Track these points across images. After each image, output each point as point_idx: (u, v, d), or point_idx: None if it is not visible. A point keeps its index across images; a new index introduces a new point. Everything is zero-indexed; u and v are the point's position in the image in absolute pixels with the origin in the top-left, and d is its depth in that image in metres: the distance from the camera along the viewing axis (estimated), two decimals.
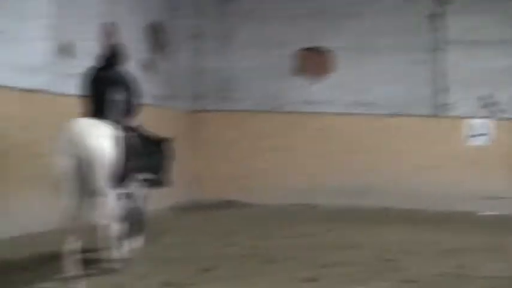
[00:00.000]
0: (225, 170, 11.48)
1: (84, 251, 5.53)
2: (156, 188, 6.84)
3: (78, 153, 5.30)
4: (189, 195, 11.30)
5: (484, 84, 11.00)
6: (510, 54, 10.98)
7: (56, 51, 7.94)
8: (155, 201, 7.15)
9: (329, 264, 6.25)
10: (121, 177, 5.72)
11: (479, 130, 11.10)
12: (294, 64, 11.70)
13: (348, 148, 11.29)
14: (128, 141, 5.82)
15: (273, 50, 11.65)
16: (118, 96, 5.91)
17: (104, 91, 5.87)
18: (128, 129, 5.96)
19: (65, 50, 8.07)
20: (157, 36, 10.68)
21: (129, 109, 6.06)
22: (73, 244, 5.29)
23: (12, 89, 7.16)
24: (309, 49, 11.68)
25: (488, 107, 11.15)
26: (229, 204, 10.99)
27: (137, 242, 6.52)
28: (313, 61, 11.65)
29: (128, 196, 6.27)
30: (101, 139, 5.43)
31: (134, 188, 6.32)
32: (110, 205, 5.51)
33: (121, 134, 5.74)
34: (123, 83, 5.99)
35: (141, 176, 6.38)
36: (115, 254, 5.85)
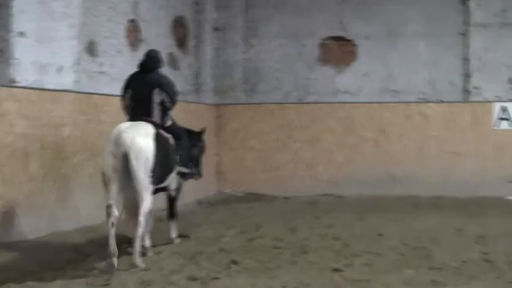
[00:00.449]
0: (252, 163, 11.50)
1: (121, 244, 5.88)
2: (193, 179, 7.22)
3: (123, 152, 5.63)
4: (217, 189, 11.39)
5: None
6: None
7: (83, 50, 8.03)
8: (182, 195, 7.21)
9: (358, 253, 6.27)
10: (162, 175, 6.10)
11: (509, 113, 10.93)
12: (320, 54, 11.66)
13: (376, 137, 11.23)
14: (169, 140, 6.30)
15: (298, 41, 11.64)
16: (158, 97, 6.31)
17: (146, 94, 6.28)
18: (167, 128, 6.39)
19: (92, 50, 8.16)
20: (181, 31, 10.74)
21: (169, 109, 6.46)
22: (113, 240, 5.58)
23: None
24: (335, 38, 11.63)
25: None
26: (257, 198, 10.96)
27: (172, 233, 6.85)
28: (340, 50, 11.59)
29: (166, 189, 6.67)
30: (145, 139, 5.78)
31: (172, 180, 6.62)
32: (149, 202, 5.83)
33: (163, 133, 6.19)
34: (163, 86, 6.38)
35: (180, 169, 6.70)
36: (147, 247, 6.26)
